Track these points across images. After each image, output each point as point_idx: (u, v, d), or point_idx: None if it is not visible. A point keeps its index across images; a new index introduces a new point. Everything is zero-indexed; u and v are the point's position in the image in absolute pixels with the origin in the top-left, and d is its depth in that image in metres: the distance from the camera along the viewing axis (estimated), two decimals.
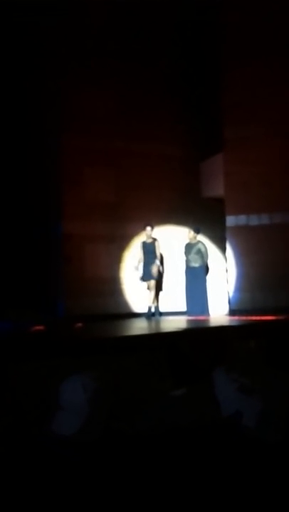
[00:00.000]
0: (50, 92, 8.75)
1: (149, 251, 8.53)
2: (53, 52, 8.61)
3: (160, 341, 4.84)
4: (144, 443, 2.46)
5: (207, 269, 8.73)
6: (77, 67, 8.71)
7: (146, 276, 8.53)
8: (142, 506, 1.95)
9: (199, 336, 5.69)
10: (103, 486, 1.97)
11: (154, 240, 8.62)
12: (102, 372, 3.24)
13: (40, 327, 7.21)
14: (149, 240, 8.62)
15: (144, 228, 8.62)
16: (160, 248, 8.63)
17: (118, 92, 9.06)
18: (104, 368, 3.59)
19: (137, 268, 8.54)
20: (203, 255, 8.59)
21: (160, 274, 8.65)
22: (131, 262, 8.90)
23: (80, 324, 7.38)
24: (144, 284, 8.59)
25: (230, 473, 2.13)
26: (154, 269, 8.42)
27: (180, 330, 6.02)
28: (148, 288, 8.57)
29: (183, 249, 8.78)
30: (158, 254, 8.55)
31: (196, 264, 8.59)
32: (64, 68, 8.68)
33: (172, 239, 9.20)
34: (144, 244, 8.60)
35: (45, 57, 8.66)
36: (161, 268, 8.58)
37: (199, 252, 8.61)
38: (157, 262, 8.50)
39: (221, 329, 6.19)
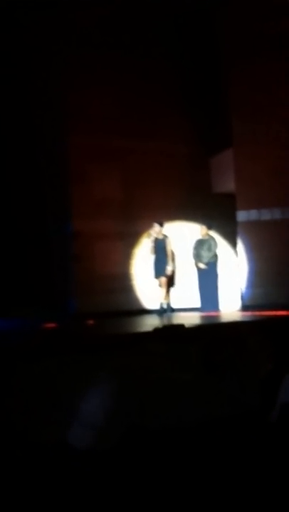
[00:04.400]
0: (53, 91, 8.72)
1: (160, 247, 8.50)
2: (54, 51, 8.55)
3: (176, 336, 4.79)
4: (168, 438, 2.41)
5: (216, 262, 8.70)
6: (80, 65, 8.65)
7: (157, 273, 8.51)
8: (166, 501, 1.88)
9: (213, 331, 5.65)
10: (117, 493, 1.90)
11: (166, 236, 8.59)
12: (122, 374, 3.17)
13: (52, 324, 7.21)
14: (161, 237, 8.58)
15: (152, 225, 8.58)
16: (171, 245, 8.59)
17: (123, 89, 9.00)
18: (122, 367, 3.53)
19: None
20: (214, 251, 8.59)
21: (172, 271, 8.62)
22: (142, 258, 8.86)
23: (91, 321, 7.37)
24: (156, 280, 8.57)
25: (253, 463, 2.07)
26: (169, 269, 8.44)
27: (194, 326, 5.99)
28: (159, 285, 8.54)
29: (193, 245, 8.75)
30: (169, 252, 8.52)
31: (208, 260, 8.56)
32: (67, 66, 8.62)
33: (183, 235, 9.16)
34: (156, 240, 8.56)
35: (47, 56, 8.62)
36: (172, 266, 8.56)
37: (210, 248, 8.59)
38: (169, 260, 8.47)
39: (235, 325, 6.15)
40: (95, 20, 8.62)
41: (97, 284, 8.61)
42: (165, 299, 8.58)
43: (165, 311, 8.52)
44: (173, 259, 8.67)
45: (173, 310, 8.61)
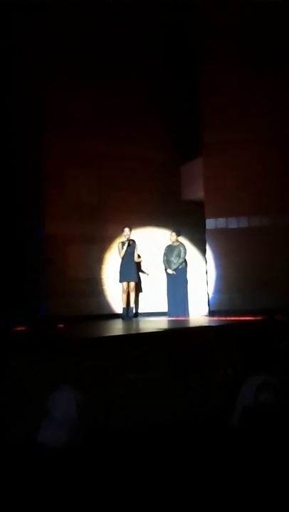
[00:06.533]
0: (32, 94, 8.75)
1: (128, 252, 8.62)
2: (35, 55, 8.60)
3: (145, 341, 4.95)
4: (130, 439, 2.49)
5: (185, 268, 8.87)
6: (59, 70, 8.73)
7: (124, 277, 8.60)
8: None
9: (180, 335, 5.82)
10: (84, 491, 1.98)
11: (133, 241, 8.71)
12: (92, 378, 3.29)
13: (22, 328, 7.23)
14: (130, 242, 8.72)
15: (122, 230, 8.69)
16: (137, 250, 8.72)
17: (99, 93, 9.13)
18: (90, 367, 3.67)
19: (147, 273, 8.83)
20: (182, 257, 8.76)
21: (139, 276, 8.78)
22: (114, 263, 8.97)
23: (61, 325, 7.42)
24: (120, 284, 8.64)
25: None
26: (146, 273, 8.58)
27: (162, 330, 6.13)
28: (127, 288, 8.62)
29: (163, 251, 8.91)
30: (136, 256, 8.66)
31: (176, 266, 8.75)
32: (47, 71, 8.69)
33: (153, 241, 9.31)
34: (124, 245, 8.66)
35: (28, 60, 8.63)
36: (140, 271, 8.72)
37: (180, 254, 8.77)
38: (138, 261, 8.61)
39: (201, 329, 6.32)
40: (76, 27, 8.71)
41: (68, 287, 8.67)
42: (132, 303, 8.65)
43: (136, 315, 8.65)
44: (138, 264, 8.80)
45: (129, 315, 8.65)
